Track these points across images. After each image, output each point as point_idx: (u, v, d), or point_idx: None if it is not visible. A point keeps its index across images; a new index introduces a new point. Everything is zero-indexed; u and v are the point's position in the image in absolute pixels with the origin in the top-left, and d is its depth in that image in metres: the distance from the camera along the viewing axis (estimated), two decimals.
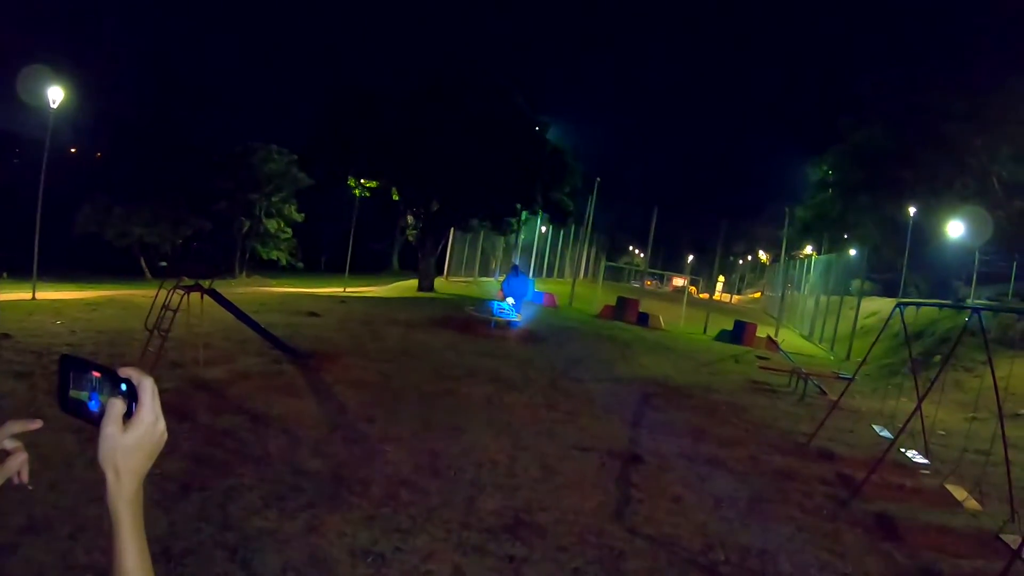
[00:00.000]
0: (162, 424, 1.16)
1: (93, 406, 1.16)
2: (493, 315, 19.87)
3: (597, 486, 7.36)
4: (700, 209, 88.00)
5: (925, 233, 35.50)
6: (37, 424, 1.32)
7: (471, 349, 15.24)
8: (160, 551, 4.70)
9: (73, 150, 49.84)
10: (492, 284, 38.14)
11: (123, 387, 1.14)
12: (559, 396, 11.68)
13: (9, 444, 1.29)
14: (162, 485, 5.69)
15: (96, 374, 1.16)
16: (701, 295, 56.96)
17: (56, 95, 19.96)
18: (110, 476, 1.11)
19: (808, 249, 49.74)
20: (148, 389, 1.14)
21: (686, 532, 6.30)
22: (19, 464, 1.29)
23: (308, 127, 34.81)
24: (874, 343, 11.74)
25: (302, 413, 8.70)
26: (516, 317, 20.41)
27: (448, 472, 7.13)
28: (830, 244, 42.06)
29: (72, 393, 1.17)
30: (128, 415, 1.12)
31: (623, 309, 29.82)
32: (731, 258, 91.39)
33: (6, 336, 10.81)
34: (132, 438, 1.12)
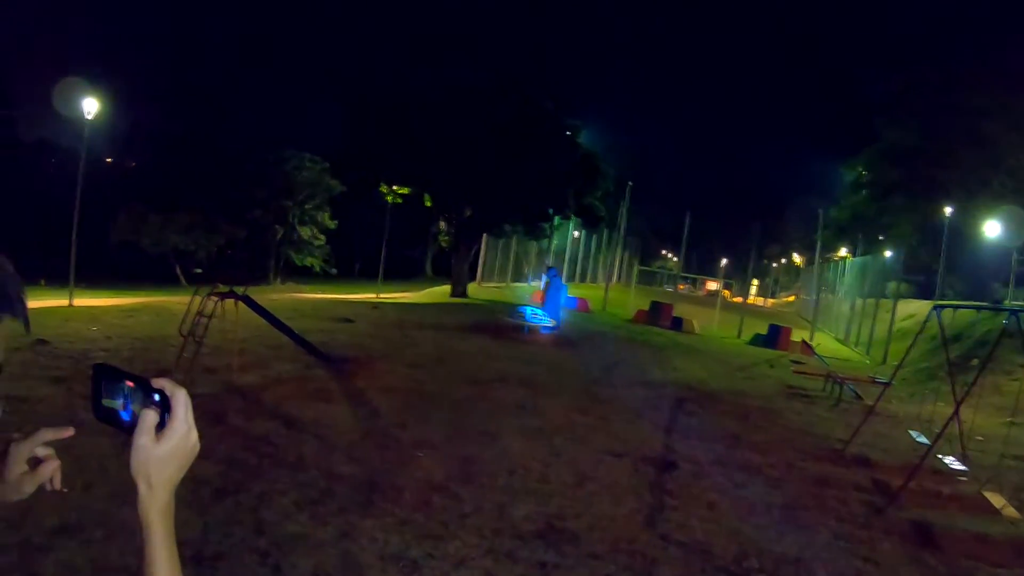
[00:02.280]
0: (195, 435, 1.15)
1: (125, 415, 1.15)
2: (526, 320, 19.85)
3: (630, 492, 7.31)
4: (733, 212, 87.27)
5: (962, 234, 34.99)
6: (69, 432, 1.33)
7: (504, 354, 15.23)
8: (192, 554, 4.73)
9: (108, 160, 50.50)
10: (525, 289, 38.14)
11: (156, 397, 1.14)
12: (592, 401, 11.64)
13: (42, 451, 1.30)
14: (196, 489, 5.72)
15: (129, 383, 1.16)
16: (735, 299, 56.35)
17: (91, 106, 20.22)
18: (142, 486, 1.11)
19: (843, 251, 49.17)
20: (181, 400, 1.14)
21: (720, 539, 6.22)
22: (52, 471, 1.30)
23: (340, 135, 34.99)
24: (911, 347, 11.55)
25: (335, 418, 8.73)
26: (549, 322, 20.38)
27: (480, 478, 7.12)
28: (865, 246, 41.59)
29: (105, 401, 1.17)
30: (161, 426, 1.12)
31: (657, 313, 29.70)
32: (765, 261, 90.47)
33: (43, 342, 10.95)
34: (165, 449, 1.12)
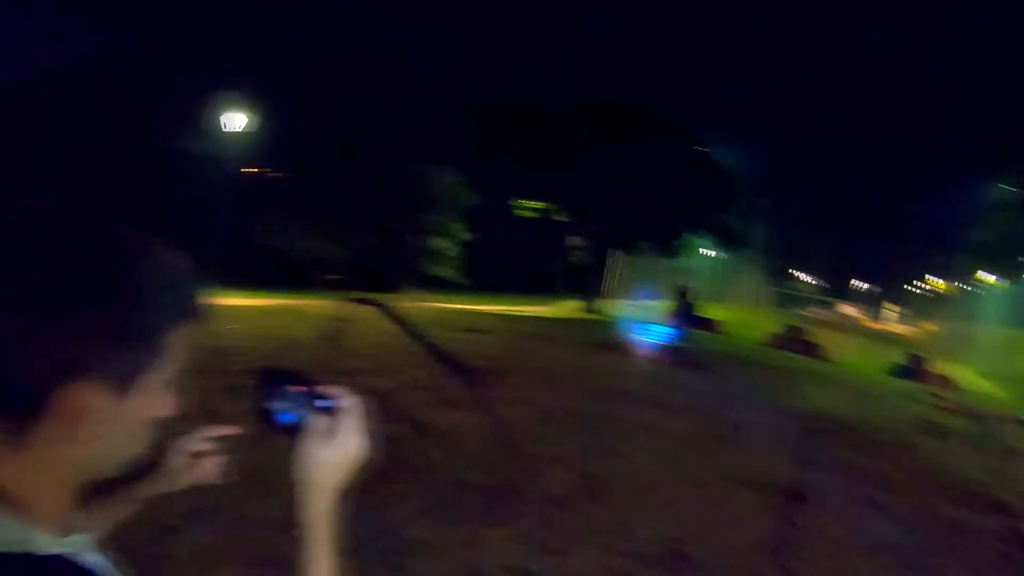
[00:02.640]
0: (364, 443, 1.18)
1: (290, 418, 1.18)
2: (658, 339, 19.63)
3: (756, 522, 7.10)
4: (872, 233, 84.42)
5: None
6: (234, 430, 1.38)
7: (634, 373, 15.09)
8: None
9: (252, 169, 52.63)
10: (656, 307, 37.77)
11: (327, 404, 1.15)
12: (722, 426, 11.38)
13: (203, 446, 1.34)
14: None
15: (299, 388, 1.18)
16: (872, 324, 54.51)
17: (239, 120, 21.18)
18: (308, 491, 1.13)
19: (989, 277, 46.68)
20: (354, 408, 1.15)
21: None
22: (213, 467, 1.35)
23: (478, 149, 35.53)
24: None
25: (464, 427, 8.79)
26: (681, 342, 20.09)
27: (606, 496, 7.04)
28: (1014, 271, 39.37)
29: (268, 402, 1.19)
30: (329, 432, 1.13)
31: (790, 338, 28.95)
32: (904, 286, 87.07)
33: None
34: (334, 455, 1.15)
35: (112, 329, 0.84)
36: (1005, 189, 43.82)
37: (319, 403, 1.15)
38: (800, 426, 12.50)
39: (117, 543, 1.09)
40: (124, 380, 0.88)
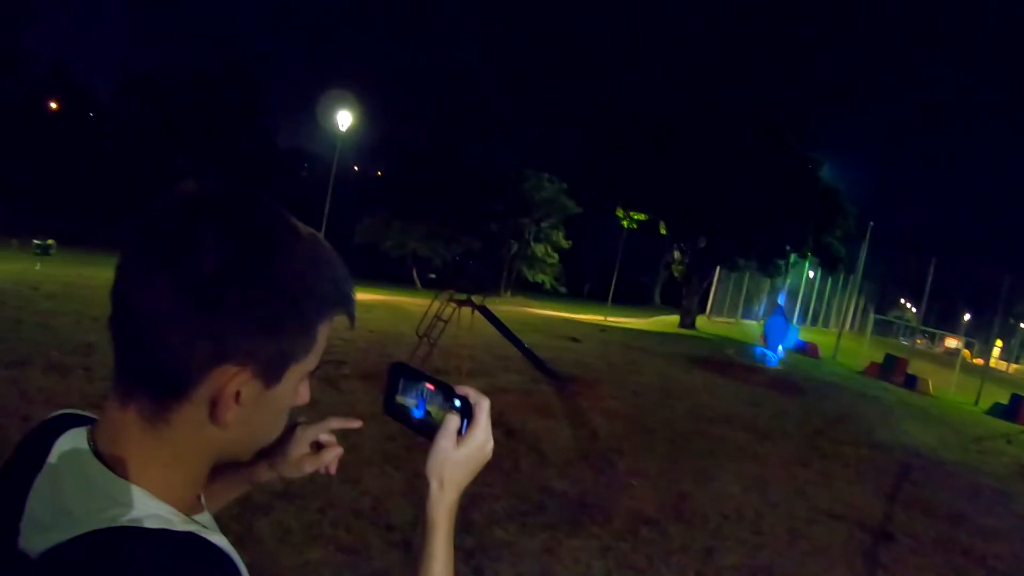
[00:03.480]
0: (491, 444, 1.19)
1: (418, 414, 1.21)
2: (755, 360, 19.33)
3: (842, 558, 6.91)
4: (981, 263, 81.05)
5: None
6: (357, 424, 1.42)
7: (728, 393, 14.87)
8: (400, 540, 4.93)
9: (356, 168, 53.61)
10: (755, 327, 37.14)
11: (458, 403, 1.18)
12: (814, 454, 11.13)
13: (325, 437, 1.38)
14: (413, 481, 5.94)
15: (430, 386, 1.21)
16: (975, 360, 52.33)
17: (345, 119, 21.63)
18: (434, 485, 1.16)
19: None
20: (485, 409, 1.18)
21: None
22: (333, 458, 1.39)
23: (581, 157, 35.51)
24: None
25: (554, 434, 8.81)
26: (779, 365, 19.76)
27: (691, 517, 6.96)
28: None
29: (399, 399, 1.23)
30: (461, 431, 1.16)
31: (890, 368, 28.06)
32: (1012, 320, 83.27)
33: None
34: (463, 453, 1.16)
35: (265, 316, 0.85)
36: None
37: (451, 401, 1.18)
38: (895, 462, 12.14)
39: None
40: (272, 368, 0.90)
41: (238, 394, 0.87)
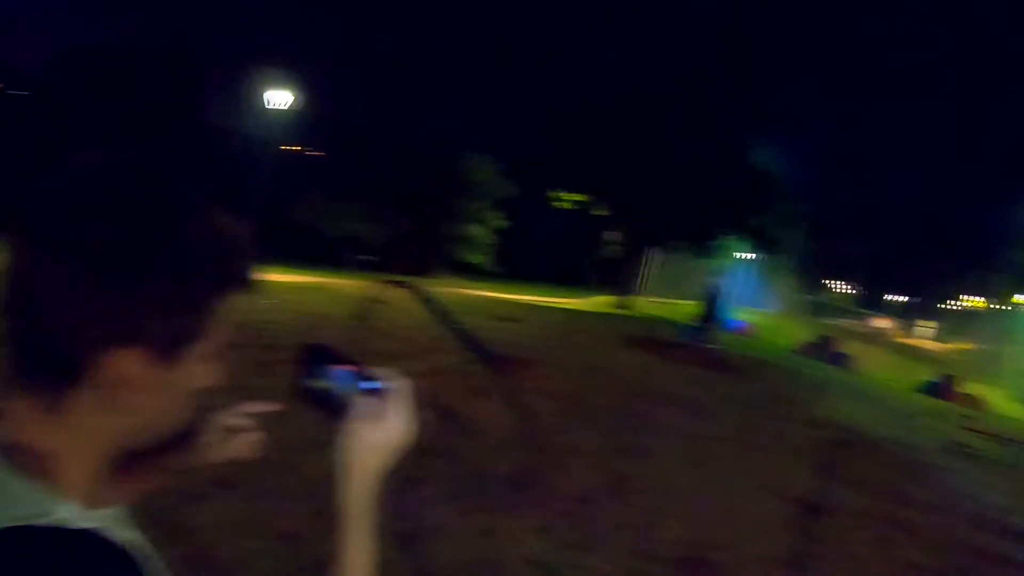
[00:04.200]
0: (411, 427, 1.15)
1: (334, 398, 1.13)
2: (689, 339, 19.54)
3: (778, 532, 6.99)
4: (909, 247, 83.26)
5: None
6: (273, 407, 1.36)
7: (663, 372, 14.99)
8: (332, 530, 4.84)
9: (293, 148, 53.09)
10: (690, 307, 37.62)
11: (376, 385, 1.11)
12: (749, 431, 11.28)
13: (240, 422, 1.31)
14: None
15: (345, 367, 1.14)
16: (905, 340, 53.85)
17: (282, 98, 21.34)
18: (348, 472, 1.09)
19: None
20: (403, 390, 1.12)
21: None
22: (250, 441, 1.32)
23: (517, 139, 35.65)
24: None
25: (490, 415, 8.77)
26: (712, 344, 19.99)
27: (630, 495, 6.99)
28: None
29: (313, 382, 1.15)
30: (376, 415, 1.09)
31: (821, 347, 28.68)
32: (940, 302, 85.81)
33: None
34: (378, 438, 1.10)
35: (158, 294, 0.80)
36: None
37: (365, 384, 1.11)
38: (826, 437, 12.35)
39: (139, 510, 1.06)
40: (169, 349, 0.84)
41: (136, 378, 0.80)
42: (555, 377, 11.99)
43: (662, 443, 9.19)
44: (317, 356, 1.16)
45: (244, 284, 0.92)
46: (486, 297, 28.17)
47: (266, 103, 27.54)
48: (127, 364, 0.80)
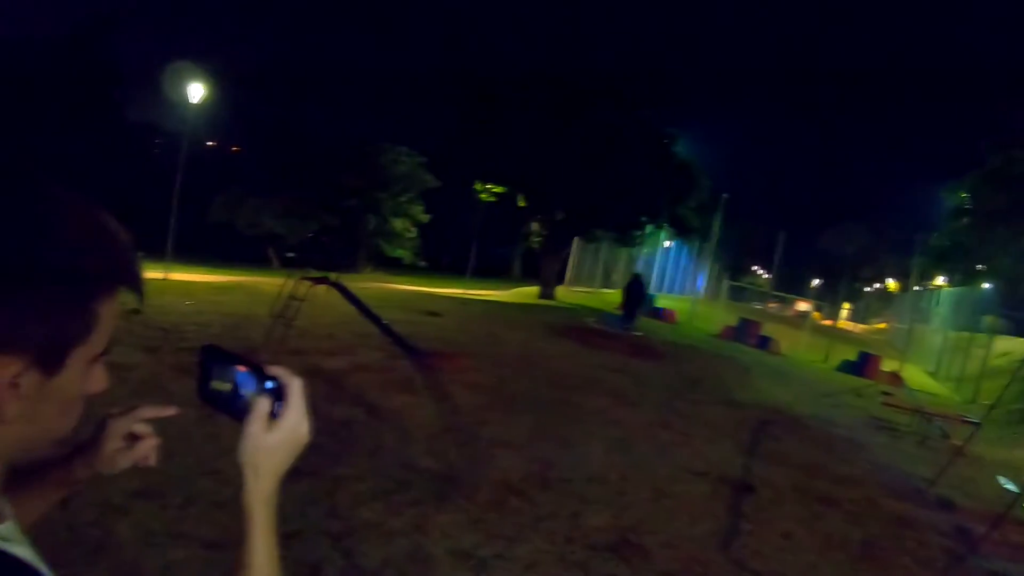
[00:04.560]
0: (307, 426, 1.11)
1: (234, 399, 1.12)
2: (612, 327, 19.73)
3: (706, 512, 7.13)
4: (828, 232, 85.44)
5: None
6: (171, 411, 1.31)
7: (588, 360, 15.12)
8: None
9: (210, 143, 51.99)
10: (613, 296, 38.01)
11: (270, 385, 1.10)
12: (674, 415, 11.44)
13: (140, 428, 1.28)
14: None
15: (242, 368, 1.12)
16: (825, 322, 55.21)
17: (197, 91, 20.88)
18: (249, 474, 1.07)
19: (939, 280, 47.51)
20: (297, 390, 1.10)
21: (794, 571, 6.02)
22: (148, 449, 1.29)
23: (438, 131, 35.48)
24: (1006, 387, 11.06)
25: (416, 410, 8.75)
26: (636, 331, 20.24)
27: (557, 483, 7.04)
28: (963, 276, 40.14)
29: (214, 384, 1.14)
30: (273, 414, 1.08)
31: (744, 331, 29.23)
32: (857, 285, 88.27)
33: (136, 312, 11.23)
34: (276, 438, 1.08)
35: (36, 299, 0.76)
36: (960, 197, 44.64)
37: (262, 384, 1.10)
38: (752, 418, 12.62)
39: (61, 524, 1.03)
40: (51, 354, 0.80)
41: (16, 385, 0.77)
42: (480, 369, 12.01)
43: (588, 431, 9.26)
44: (216, 358, 1.14)
45: (127, 282, 0.90)
46: (410, 291, 28.04)
47: (177, 97, 26.88)
48: (6, 372, 0.76)
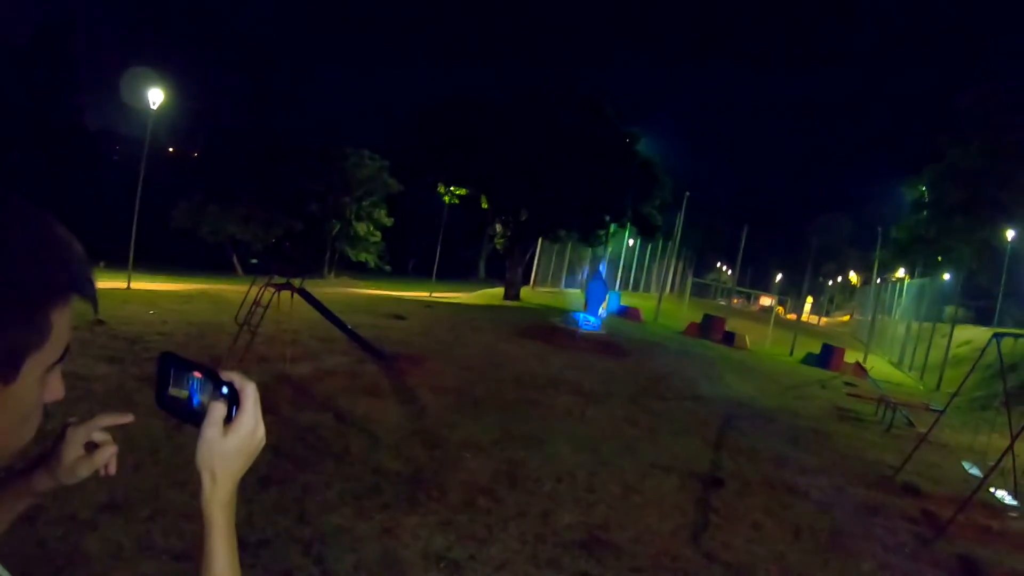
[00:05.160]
0: (262, 430, 1.13)
1: (191, 405, 1.13)
2: (579, 326, 19.80)
3: (675, 507, 7.20)
4: (790, 227, 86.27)
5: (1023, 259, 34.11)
6: (128, 418, 1.31)
7: (555, 360, 15.16)
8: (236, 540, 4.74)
9: (171, 150, 51.52)
10: (578, 295, 38.12)
11: (225, 390, 1.12)
12: (641, 412, 11.52)
13: (99, 436, 1.28)
14: (243, 476, 5.75)
15: (198, 374, 1.14)
16: (788, 316, 55.69)
17: (156, 97, 20.66)
18: (206, 479, 1.09)
19: (900, 272, 48.19)
20: (251, 394, 1.11)
21: (764, 561, 6.10)
22: (107, 456, 1.29)
23: (401, 134, 35.34)
24: (968, 375, 11.24)
25: (384, 414, 8.74)
26: (602, 330, 20.33)
27: (526, 483, 7.07)
28: (924, 268, 40.75)
29: (171, 390, 1.15)
30: (228, 419, 1.10)
31: (709, 327, 29.45)
32: (820, 279, 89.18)
33: (100, 322, 11.13)
34: (232, 443, 1.09)
35: None
36: (919, 191, 45.35)
37: (218, 389, 1.12)
38: (719, 413, 12.73)
39: (29, 540, 1.04)
40: (5, 363, 0.81)
41: None
42: (446, 372, 12.01)
43: (556, 430, 9.30)
44: (173, 364, 1.16)
45: (80, 289, 0.91)
46: (375, 295, 27.97)
47: (137, 103, 26.56)
48: None
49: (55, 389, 0.93)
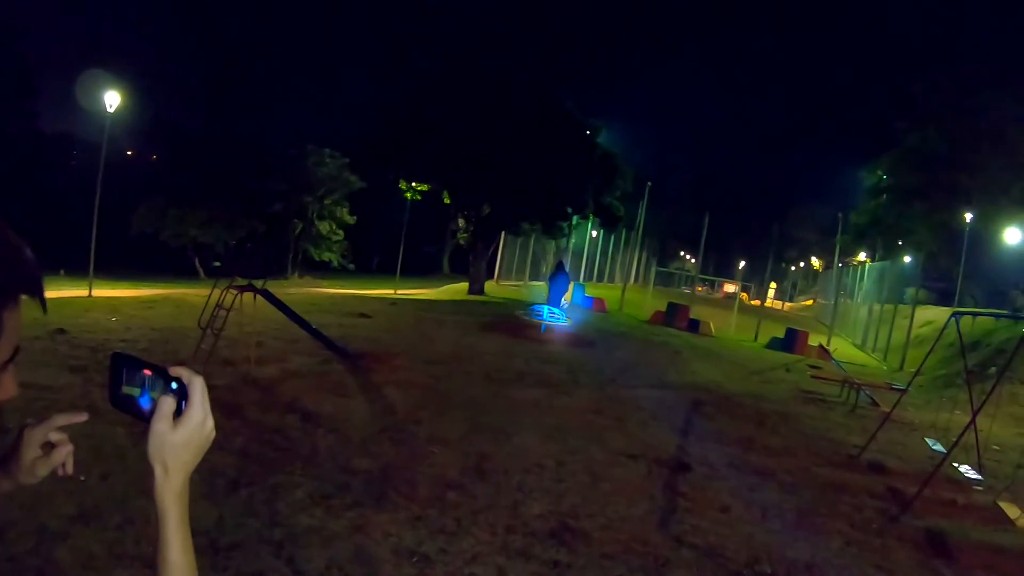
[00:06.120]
0: (211, 422, 1.17)
1: (144, 403, 1.18)
2: (543, 319, 19.87)
3: (644, 494, 7.29)
4: (752, 214, 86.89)
5: (982, 240, 34.69)
6: (82, 417, 1.34)
7: (520, 353, 15.22)
8: (207, 544, 4.76)
9: (129, 152, 50.85)
10: (542, 288, 38.19)
11: (174, 385, 1.16)
12: (608, 402, 11.62)
13: (55, 436, 1.31)
14: (211, 480, 5.76)
15: (148, 372, 1.18)
16: (752, 302, 56.07)
17: (113, 99, 20.40)
18: (158, 471, 1.12)
19: (862, 256, 48.83)
20: (198, 388, 1.15)
21: (732, 543, 6.20)
22: (63, 456, 1.31)
23: (361, 130, 35.20)
24: (928, 354, 11.43)
25: (351, 413, 8.75)
26: (567, 321, 20.41)
27: (495, 475, 7.12)
28: (884, 251, 41.33)
29: (124, 389, 1.20)
30: (178, 413, 1.13)
31: (673, 315, 29.61)
32: (783, 264, 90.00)
33: (62, 331, 11.04)
34: (181, 435, 1.13)
35: None
36: (878, 176, 45.96)
37: (168, 385, 1.16)
38: (685, 399, 12.86)
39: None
40: None
41: None
42: (413, 368, 12.03)
43: (523, 422, 9.36)
44: (125, 363, 1.20)
45: (28, 290, 0.93)
46: (339, 294, 27.84)
47: (93, 106, 26.19)
48: None
49: (7, 387, 0.96)
